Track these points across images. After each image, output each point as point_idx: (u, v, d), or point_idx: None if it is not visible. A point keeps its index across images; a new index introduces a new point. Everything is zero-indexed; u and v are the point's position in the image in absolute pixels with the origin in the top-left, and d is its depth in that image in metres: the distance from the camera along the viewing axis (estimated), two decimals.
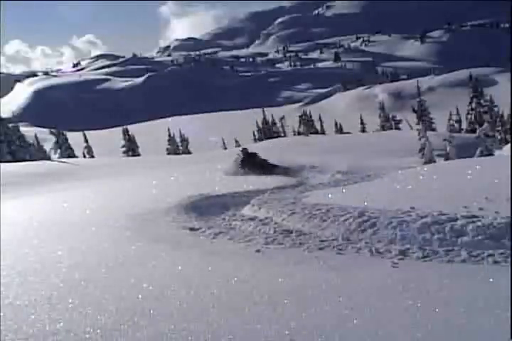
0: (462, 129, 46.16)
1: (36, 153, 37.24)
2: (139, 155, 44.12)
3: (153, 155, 35.85)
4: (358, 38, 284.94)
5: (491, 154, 23.54)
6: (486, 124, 34.05)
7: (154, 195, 8.10)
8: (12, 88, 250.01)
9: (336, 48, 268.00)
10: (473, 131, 38.13)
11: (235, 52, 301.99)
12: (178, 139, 51.33)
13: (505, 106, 40.12)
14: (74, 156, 42.31)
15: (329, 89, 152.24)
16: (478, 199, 4.75)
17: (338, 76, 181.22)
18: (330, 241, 4.35)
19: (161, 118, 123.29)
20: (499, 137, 33.13)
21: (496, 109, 40.02)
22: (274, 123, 57.04)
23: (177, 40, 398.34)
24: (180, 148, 50.10)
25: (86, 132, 50.79)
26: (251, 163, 11.74)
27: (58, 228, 5.64)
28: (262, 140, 48.70)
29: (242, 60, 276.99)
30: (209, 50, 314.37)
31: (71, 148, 44.19)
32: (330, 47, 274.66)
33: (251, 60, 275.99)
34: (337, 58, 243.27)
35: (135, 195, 8.67)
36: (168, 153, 47.07)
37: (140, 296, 2.97)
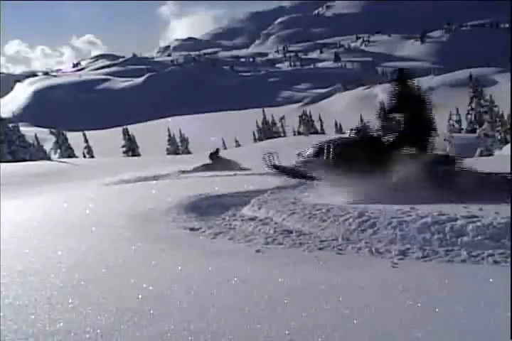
0: (462, 129, 46.20)
1: (36, 153, 37.28)
2: (139, 155, 44.13)
3: (153, 155, 35.87)
4: (358, 38, 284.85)
5: (490, 154, 23.58)
6: (486, 124, 34.11)
7: (154, 195, 8.11)
8: (12, 88, 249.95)
9: (336, 48, 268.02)
10: (473, 131, 38.21)
11: (235, 52, 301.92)
12: (178, 139, 51.34)
13: (505, 106, 40.08)
14: (74, 156, 42.31)
15: (329, 89, 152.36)
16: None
17: (338, 76, 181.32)
18: (330, 241, 4.34)
19: (161, 118, 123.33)
20: (499, 137, 33.15)
21: (496, 109, 40.00)
22: (274, 123, 57.10)
23: (177, 40, 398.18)
24: (180, 148, 50.11)
25: (86, 132, 50.76)
26: None
27: (58, 228, 5.63)
28: (262, 140, 48.79)
29: (242, 60, 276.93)
30: (209, 50, 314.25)
31: (71, 148, 44.18)
32: (330, 47, 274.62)
33: (251, 60, 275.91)
34: (337, 58, 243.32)
35: (135, 194, 8.68)
36: (168, 153, 47.10)
37: (140, 296, 2.96)
